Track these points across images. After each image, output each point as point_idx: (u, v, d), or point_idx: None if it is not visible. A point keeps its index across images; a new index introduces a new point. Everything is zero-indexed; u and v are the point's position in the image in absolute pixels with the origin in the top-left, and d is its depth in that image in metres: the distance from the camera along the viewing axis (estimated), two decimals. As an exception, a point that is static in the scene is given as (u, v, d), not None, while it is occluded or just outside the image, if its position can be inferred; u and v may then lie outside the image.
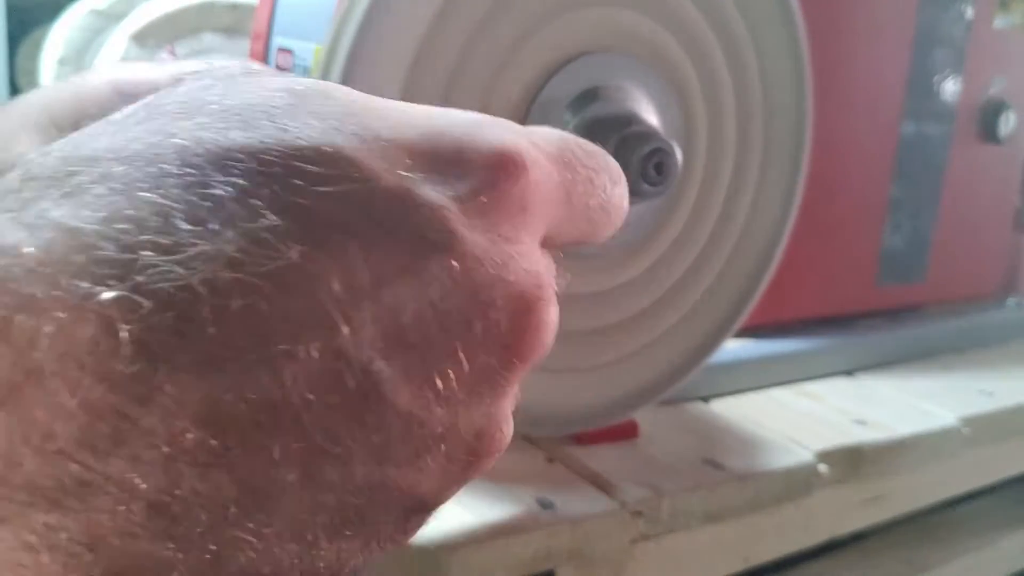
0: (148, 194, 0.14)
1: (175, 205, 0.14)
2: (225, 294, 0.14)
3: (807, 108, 0.44)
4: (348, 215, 0.15)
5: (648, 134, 0.35)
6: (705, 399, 0.51)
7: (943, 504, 0.56)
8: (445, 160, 0.17)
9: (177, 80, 0.38)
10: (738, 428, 0.48)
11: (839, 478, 0.46)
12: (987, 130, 0.67)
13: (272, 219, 0.14)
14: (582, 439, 0.43)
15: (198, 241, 0.14)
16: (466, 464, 0.18)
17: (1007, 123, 0.67)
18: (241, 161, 0.15)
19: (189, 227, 0.14)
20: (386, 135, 0.17)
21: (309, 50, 0.42)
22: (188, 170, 0.15)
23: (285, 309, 0.14)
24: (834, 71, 0.57)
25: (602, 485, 0.40)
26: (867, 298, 0.65)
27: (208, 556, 0.14)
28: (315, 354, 0.14)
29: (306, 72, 0.42)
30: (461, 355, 0.16)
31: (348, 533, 0.16)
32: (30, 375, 0.12)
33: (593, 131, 0.36)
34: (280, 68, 0.43)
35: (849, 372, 0.59)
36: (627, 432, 0.45)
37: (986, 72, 0.67)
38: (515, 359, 0.17)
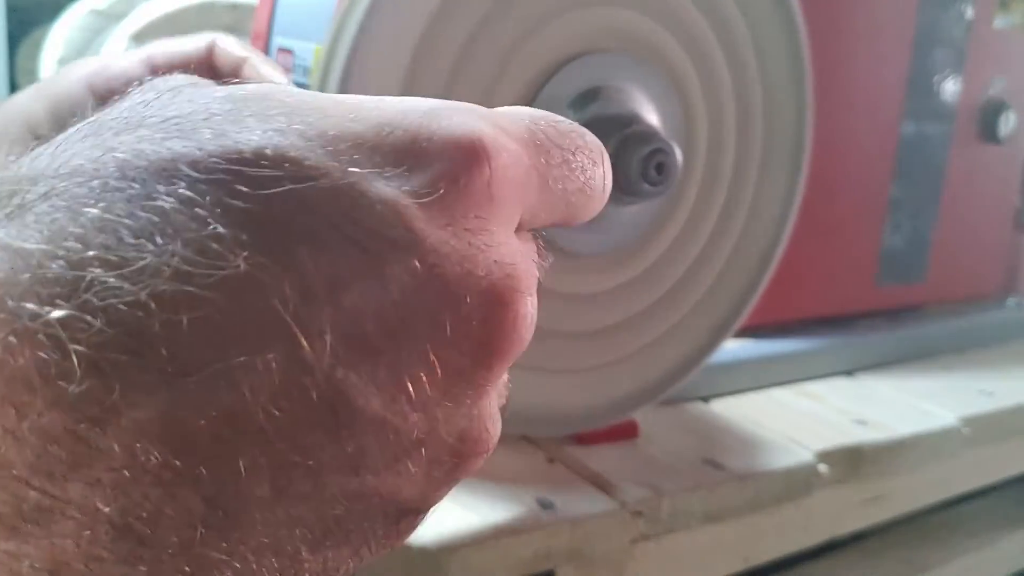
0: (92, 209, 0.14)
1: (120, 219, 0.14)
2: (175, 308, 0.13)
3: (807, 108, 0.44)
4: (295, 218, 0.14)
5: (649, 134, 0.35)
6: (705, 399, 0.51)
7: (943, 504, 0.56)
8: (399, 153, 0.16)
9: (148, 66, 0.38)
10: (738, 428, 0.48)
11: (839, 478, 0.46)
12: (987, 130, 0.67)
13: (217, 228, 0.14)
14: (582, 439, 0.43)
15: (145, 255, 0.13)
16: (451, 467, 0.17)
17: (1007, 123, 0.67)
18: (182, 171, 0.14)
19: (135, 241, 0.13)
20: (332, 132, 0.16)
21: (309, 50, 0.42)
22: (131, 184, 0.14)
23: (238, 320, 0.14)
24: (834, 71, 0.57)
25: (602, 485, 0.40)
26: (867, 298, 0.65)
27: None
28: (274, 365, 0.14)
29: (306, 72, 0.42)
30: (432, 357, 0.16)
31: (329, 543, 0.16)
32: None
33: (594, 130, 0.36)
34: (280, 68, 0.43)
35: (849, 372, 0.59)
36: (627, 432, 0.45)
37: (986, 72, 0.67)
38: (491, 357, 0.17)
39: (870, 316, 0.65)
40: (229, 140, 0.15)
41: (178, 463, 0.13)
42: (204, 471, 0.13)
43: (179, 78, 0.18)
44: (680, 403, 0.50)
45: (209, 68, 0.37)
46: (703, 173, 0.42)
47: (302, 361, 0.14)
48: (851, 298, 0.64)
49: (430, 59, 0.33)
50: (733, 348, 0.54)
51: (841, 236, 0.62)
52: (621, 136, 0.35)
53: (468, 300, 0.16)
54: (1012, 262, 0.76)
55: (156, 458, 0.13)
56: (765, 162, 0.44)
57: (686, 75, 0.40)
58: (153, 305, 0.13)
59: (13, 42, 1.13)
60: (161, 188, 0.14)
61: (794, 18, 0.42)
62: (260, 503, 0.14)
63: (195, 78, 0.18)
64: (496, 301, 0.16)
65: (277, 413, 0.14)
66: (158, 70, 0.36)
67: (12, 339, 0.12)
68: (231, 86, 0.17)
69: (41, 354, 0.13)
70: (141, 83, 0.18)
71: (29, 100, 0.39)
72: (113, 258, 0.13)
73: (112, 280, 0.13)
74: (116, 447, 0.13)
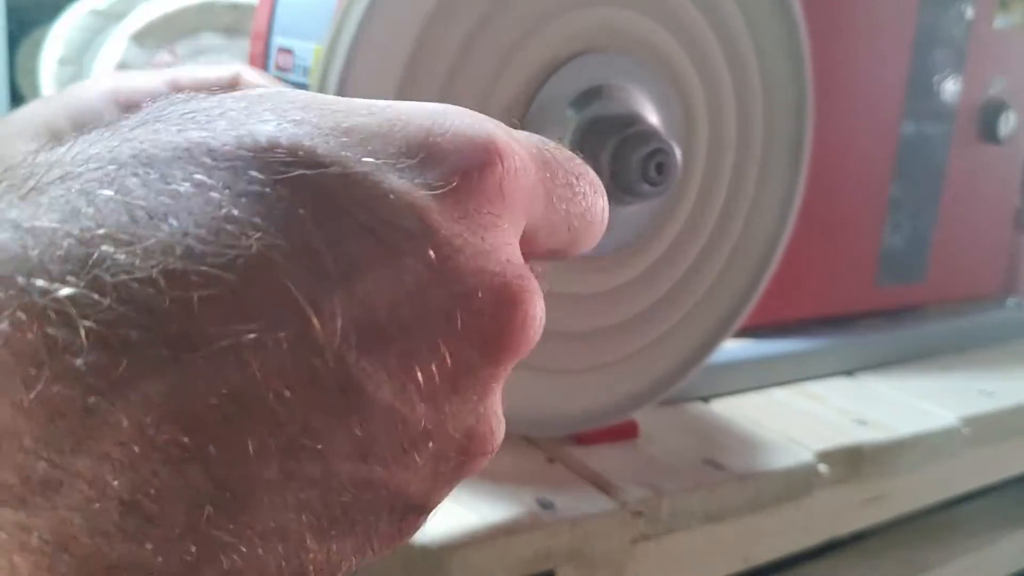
0: (106, 191, 0.14)
1: (133, 201, 0.14)
2: (186, 285, 0.13)
3: (807, 108, 0.44)
4: (309, 204, 0.15)
5: (649, 134, 0.35)
6: (705, 399, 0.51)
7: (943, 504, 0.56)
8: (412, 147, 0.16)
9: (172, 87, 0.38)
10: (738, 428, 0.48)
11: (839, 478, 0.46)
12: (987, 130, 0.67)
13: (232, 211, 0.14)
14: (582, 439, 0.43)
15: (157, 234, 0.14)
16: (458, 464, 0.17)
17: (1007, 123, 0.67)
18: (198, 157, 0.15)
19: (148, 221, 0.14)
20: (346, 124, 0.16)
21: (309, 50, 0.42)
22: (146, 168, 0.14)
23: (249, 298, 0.14)
24: (834, 71, 0.57)
25: (602, 485, 0.40)
26: (867, 298, 0.65)
27: (188, 558, 0.14)
28: (284, 345, 0.14)
29: (306, 72, 0.42)
30: (443, 349, 0.16)
31: (334, 533, 0.16)
32: None
33: (594, 130, 0.36)
34: (280, 68, 0.43)
35: (849, 372, 0.59)
36: (627, 432, 0.45)
37: (986, 72, 0.67)
38: (500, 353, 0.17)
39: (870, 316, 0.65)
40: (244, 130, 0.15)
41: (187, 440, 0.13)
42: (213, 450, 0.13)
43: (201, 93, 0.18)
44: (680, 403, 0.50)
45: None
46: (703, 173, 0.42)
47: (313, 342, 0.14)
48: (851, 298, 0.64)
49: (429, 59, 0.33)
50: (733, 348, 0.54)
51: (841, 236, 0.62)
52: (621, 136, 0.35)
53: (480, 295, 0.16)
54: (1012, 262, 0.76)
55: (165, 434, 0.13)
56: (765, 162, 0.44)
57: (686, 75, 0.40)
58: (163, 282, 0.13)
59: (13, 42, 1.13)
60: (176, 173, 0.14)
61: (794, 18, 0.42)
62: (268, 486, 0.14)
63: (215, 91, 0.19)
64: (508, 299, 0.16)
65: (287, 394, 0.14)
66: (182, 92, 0.37)
67: (21, 314, 0.13)
68: (247, 91, 0.17)
69: (50, 330, 0.13)
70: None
71: (51, 107, 0.40)
72: (124, 236, 0.13)
73: (123, 258, 0.13)
74: (125, 421, 0.13)
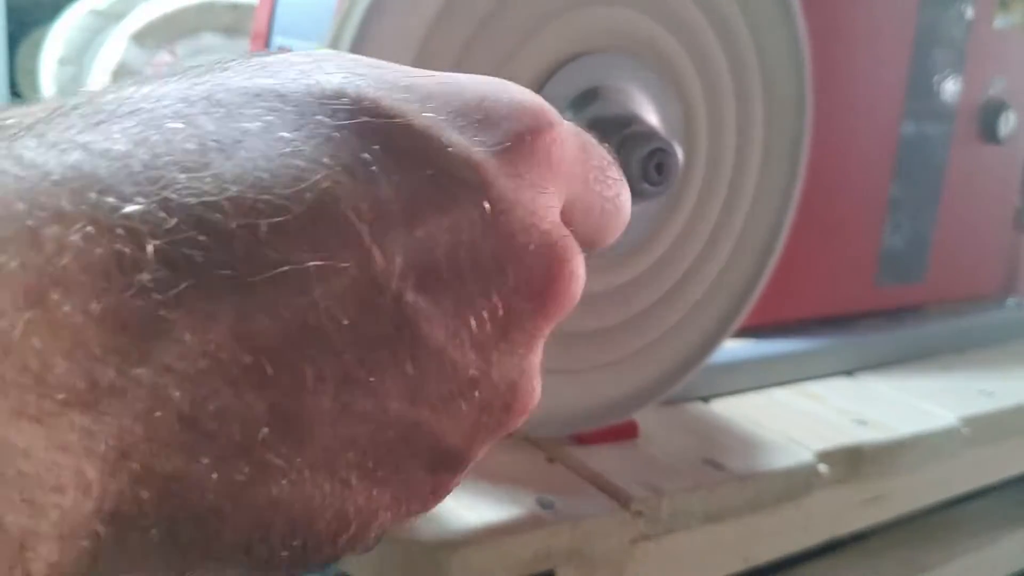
0: (176, 123, 0.14)
1: (204, 134, 0.14)
2: (253, 212, 0.14)
3: (807, 108, 0.44)
4: (376, 148, 0.15)
5: (649, 134, 0.35)
6: (705, 399, 0.51)
7: (943, 504, 0.56)
8: (469, 108, 0.17)
9: None
10: (738, 428, 0.48)
11: (839, 478, 0.46)
12: (987, 130, 0.67)
13: (299, 147, 0.15)
14: (582, 439, 0.43)
15: (226, 163, 0.14)
16: (500, 417, 0.18)
17: (1007, 123, 0.67)
18: (268, 99, 0.15)
19: (218, 152, 0.14)
20: (405, 83, 0.17)
21: (309, 50, 0.42)
22: (216, 107, 0.15)
23: (315, 230, 0.14)
24: (834, 71, 0.57)
25: (602, 485, 0.40)
26: (867, 298, 0.65)
27: (241, 478, 0.14)
28: (346, 277, 0.14)
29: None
30: (495, 297, 0.16)
31: (379, 475, 0.16)
32: (57, 283, 0.13)
33: (594, 130, 0.36)
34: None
35: (849, 372, 0.59)
36: (627, 432, 0.45)
37: (986, 72, 0.67)
38: (548, 306, 0.17)
39: (870, 316, 0.65)
40: (312, 79, 0.16)
41: (248, 359, 0.14)
42: (271, 372, 0.14)
43: None
44: (680, 403, 0.50)
45: None
46: (703, 173, 0.42)
47: (373, 276, 0.15)
48: (851, 298, 0.64)
49: (430, 60, 0.33)
50: (733, 348, 0.54)
51: (841, 236, 0.62)
52: (621, 136, 0.35)
53: (531, 248, 0.17)
54: (1012, 262, 0.76)
55: (225, 353, 0.14)
56: (765, 162, 0.44)
57: (686, 75, 0.40)
58: (231, 208, 0.14)
59: (13, 42, 1.13)
60: (247, 112, 0.15)
61: (794, 18, 0.42)
62: (322, 416, 0.15)
63: None
64: (556, 255, 0.17)
65: (346, 322, 0.14)
66: None
67: (91, 229, 0.13)
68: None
69: (118, 245, 0.13)
70: None
71: None
72: (193, 164, 0.14)
73: (192, 183, 0.14)
74: (188, 336, 0.13)
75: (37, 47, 1.08)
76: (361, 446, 0.15)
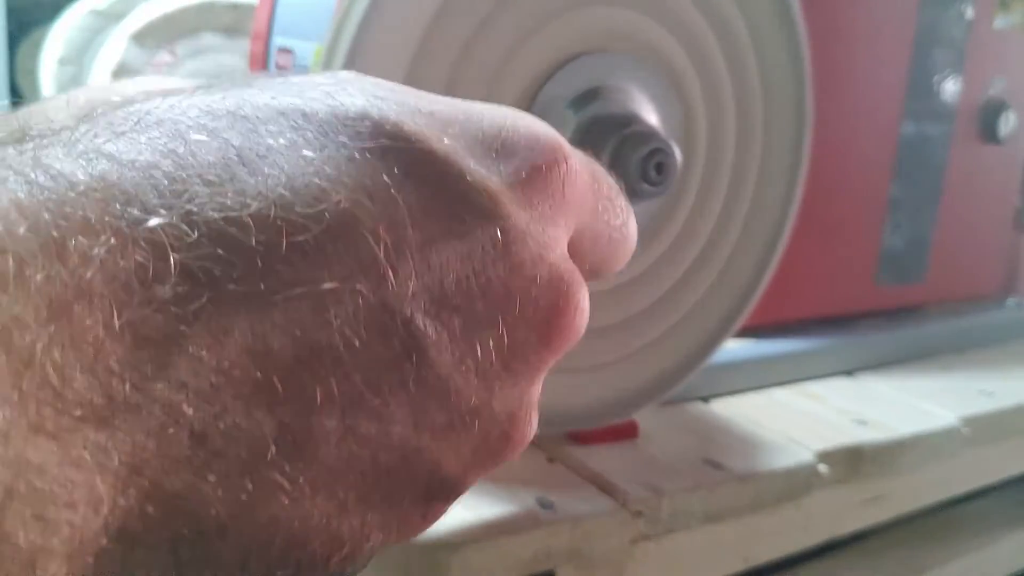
0: (200, 136, 0.15)
1: (227, 147, 0.14)
2: (274, 230, 0.14)
3: (807, 108, 0.44)
4: (396, 171, 0.15)
5: (648, 134, 0.35)
6: (705, 399, 0.51)
7: (943, 504, 0.56)
8: (487, 138, 0.17)
9: None
10: (738, 428, 0.48)
11: (839, 478, 0.46)
12: (987, 130, 0.67)
13: (322, 167, 0.15)
14: (582, 439, 0.43)
15: (249, 179, 0.14)
16: (497, 447, 0.18)
17: (1007, 123, 0.67)
18: (293, 118, 0.15)
19: (241, 168, 0.14)
20: (427, 109, 0.17)
21: (309, 50, 0.42)
22: (242, 120, 0.15)
23: (332, 250, 0.14)
24: (834, 71, 0.57)
25: (602, 485, 0.40)
26: (867, 298, 0.65)
27: (244, 496, 0.14)
28: (360, 298, 0.15)
29: (306, 72, 0.42)
30: (502, 327, 0.17)
31: (375, 499, 0.16)
32: (81, 295, 0.13)
33: (594, 130, 0.36)
34: (280, 68, 0.43)
35: (849, 372, 0.59)
36: (627, 432, 0.45)
37: (986, 72, 0.67)
38: (553, 339, 0.18)
39: (870, 316, 0.65)
40: (336, 101, 0.16)
41: (259, 377, 0.14)
42: (282, 390, 0.14)
43: None
44: (680, 403, 0.50)
45: None
46: (703, 173, 0.42)
47: (386, 299, 0.15)
48: (851, 298, 0.64)
49: (430, 59, 0.33)
50: (733, 348, 0.54)
51: (841, 236, 0.62)
52: (621, 136, 0.35)
53: (539, 281, 0.17)
54: (1012, 262, 0.76)
55: (239, 369, 0.14)
56: (765, 162, 0.44)
57: (686, 75, 0.40)
58: (252, 224, 0.14)
59: (13, 42, 1.13)
60: (272, 128, 0.15)
61: (794, 18, 0.42)
62: (327, 436, 0.15)
63: None
64: (563, 290, 0.18)
65: (357, 343, 0.15)
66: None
67: (115, 241, 0.13)
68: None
69: (140, 257, 0.13)
70: None
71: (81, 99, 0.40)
72: (216, 178, 0.14)
73: (215, 198, 0.14)
74: (204, 353, 0.13)
75: (37, 47, 1.08)
76: (361, 469, 0.16)
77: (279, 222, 0.14)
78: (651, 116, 0.38)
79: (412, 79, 0.33)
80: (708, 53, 0.41)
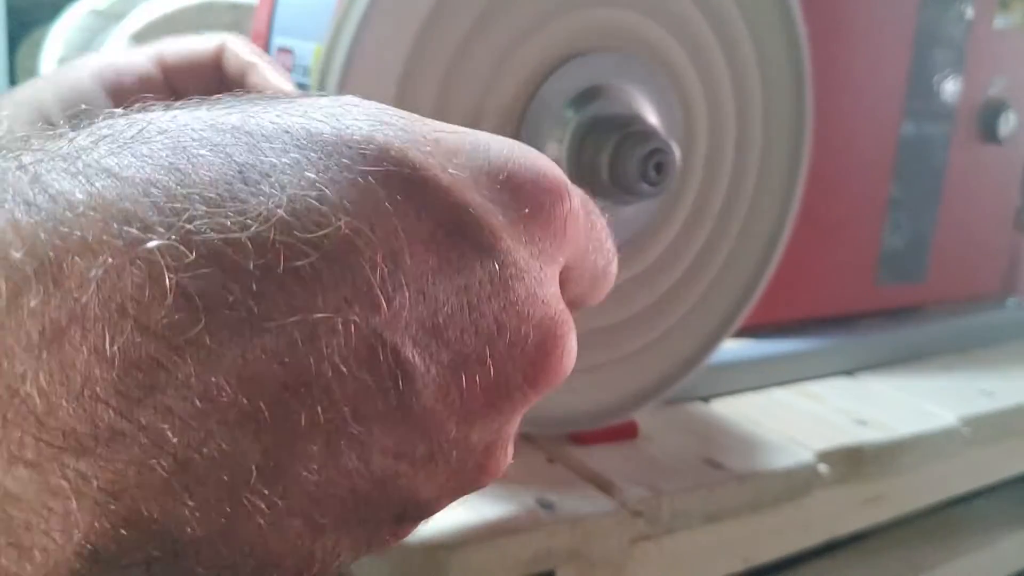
0: (203, 151, 0.14)
1: (228, 165, 0.14)
2: (272, 254, 0.14)
3: (807, 108, 0.44)
4: (398, 199, 0.15)
5: (648, 134, 0.35)
6: (705, 399, 0.51)
7: (943, 504, 0.56)
8: (493, 169, 0.17)
9: (157, 62, 0.38)
10: (738, 428, 0.48)
11: (839, 478, 0.46)
12: (987, 130, 0.67)
13: (324, 191, 0.15)
14: (582, 439, 0.43)
15: (250, 199, 0.14)
16: (472, 476, 0.18)
17: (1007, 123, 0.67)
18: (298, 137, 0.15)
19: (241, 186, 0.14)
20: (433, 137, 0.17)
21: (309, 50, 0.42)
22: (246, 138, 0.15)
23: (328, 277, 0.14)
24: (834, 71, 0.57)
25: (602, 485, 0.40)
26: (867, 298, 0.65)
27: (223, 520, 0.14)
28: (352, 327, 0.14)
29: (306, 72, 0.42)
30: (489, 362, 0.16)
31: (351, 522, 0.16)
32: (74, 319, 0.13)
33: (593, 130, 0.36)
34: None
35: (849, 372, 0.59)
36: (627, 432, 0.45)
37: (986, 72, 0.67)
38: (539, 380, 0.17)
39: (870, 316, 0.65)
40: (341, 124, 0.16)
41: (246, 402, 0.14)
42: (268, 418, 0.14)
43: None
44: (680, 403, 0.50)
45: (217, 69, 0.37)
46: (702, 173, 0.42)
47: (378, 329, 0.15)
48: (851, 298, 0.64)
49: (429, 58, 0.33)
50: (733, 348, 0.54)
51: (841, 236, 0.62)
52: (620, 136, 0.35)
53: (531, 320, 0.17)
54: (1012, 262, 0.76)
55: (226, 395, 0.13)
56: (764, 162, 0.44)
57: (686, 75, 0.40)
58: (251, 247, 0.14)
59: (13, 42, 1.13)
60: (276, 147, 0.15)
61: (794, 18, 0.42)
62: (309, 461, 0.15)
63: None
64: (553, 331, 0.17)
65: (346, 372, 0.14)
66: (167, 67, 0.37)
67: (112, 260, 0.13)
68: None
69: (137, 279, 0.13)
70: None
71: (38, 90, 0.39)
72: (216, 196, 0.14)
73: (215, 218, 0.14)
74: (193, 378, 0.13)
75: (37, 47, 1.08)
76: (340, 494, 0.15)
77: (278, 246, 0.14)
78: (651, 116, 0.38)
79: (411, 79, 0.33)
80: (708, 53, 0.41)
